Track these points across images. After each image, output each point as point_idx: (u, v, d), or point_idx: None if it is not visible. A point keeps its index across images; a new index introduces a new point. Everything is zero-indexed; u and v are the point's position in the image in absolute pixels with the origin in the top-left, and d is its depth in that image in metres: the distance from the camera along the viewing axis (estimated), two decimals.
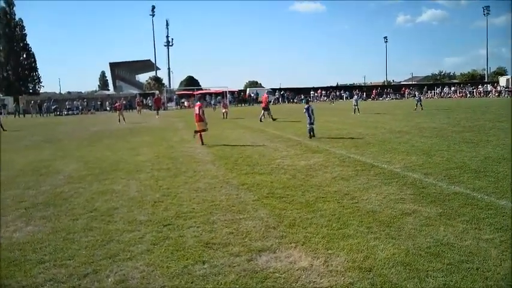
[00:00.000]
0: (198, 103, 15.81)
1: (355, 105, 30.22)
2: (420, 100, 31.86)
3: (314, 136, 15.49)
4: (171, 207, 6.89)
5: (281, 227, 5.70)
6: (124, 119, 30.26)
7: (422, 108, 30.39)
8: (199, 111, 15.00)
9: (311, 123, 15.65)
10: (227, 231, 5.63)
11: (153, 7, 74.59)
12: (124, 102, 35.20)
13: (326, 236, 5.31)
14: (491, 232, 5.21)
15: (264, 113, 25.90)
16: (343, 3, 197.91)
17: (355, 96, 33.04)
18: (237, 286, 4.04)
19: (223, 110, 31.54)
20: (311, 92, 68.34)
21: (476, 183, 7.71)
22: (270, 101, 31.50)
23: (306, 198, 7.10)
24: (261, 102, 59.09)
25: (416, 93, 34.22)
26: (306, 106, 15.99)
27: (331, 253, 4.75)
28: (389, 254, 4.64)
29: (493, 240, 4.94)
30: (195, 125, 15.35)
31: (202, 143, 14.79)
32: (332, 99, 59.97)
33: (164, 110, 54.54)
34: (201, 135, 15.05)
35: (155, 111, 39.24)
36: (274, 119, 25.06)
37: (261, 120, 25.16)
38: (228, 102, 35.52)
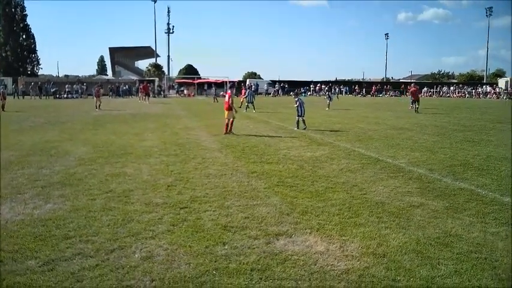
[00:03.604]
0: (229, 92, 15.74)
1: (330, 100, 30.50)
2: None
3: (305, 128, 16.19)
4: (184, 191, 7.08)
5: (294, 214, 5.92)
6: (99, 106, 29.30)
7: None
8: (229, 100, 14.96)
9: (299, 115, 16.51)
10: (243, 215, 5.83)
11: None
12: (102, 88, 33.64)
13: (339, 223, 5.53)
14: (497, 226, 5.46)
15: (413, 105, 26.63)
16: None
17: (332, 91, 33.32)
18: (259, 266, 4.25)
19: (243, 99, 29.27)
20: (311, 86, 68.55)
21: (480, 180, 7.96)
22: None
23: (316, 188, 7.32)
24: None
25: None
26: (296, 99, 16.87)
27: (346, 239, 4.98)
28: (401, 242, 4.87)
29: (499, 234, 5.18)
30: (225, 113, 15.17)
31: (231, 132, 14.73)
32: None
33: (164, 97, 54.59)
34: (231, 124, 14.89)
35: (146, 98, 38.89)
36: (416, 111, 25.92)
37: (416, 111, 25.87)
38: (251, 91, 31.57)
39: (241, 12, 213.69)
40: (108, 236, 5.02)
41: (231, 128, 14.89)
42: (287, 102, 40.60)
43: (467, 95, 62.64)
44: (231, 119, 14.92)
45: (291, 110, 21.80)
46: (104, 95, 44.53)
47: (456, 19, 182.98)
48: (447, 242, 4.91)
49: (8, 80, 55.48)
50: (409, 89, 28.18)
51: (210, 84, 59.55)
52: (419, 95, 27.39)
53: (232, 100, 15.05)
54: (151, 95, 44.72)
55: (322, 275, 4.09)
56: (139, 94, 44.11)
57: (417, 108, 26.35)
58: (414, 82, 66.56)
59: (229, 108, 14.92)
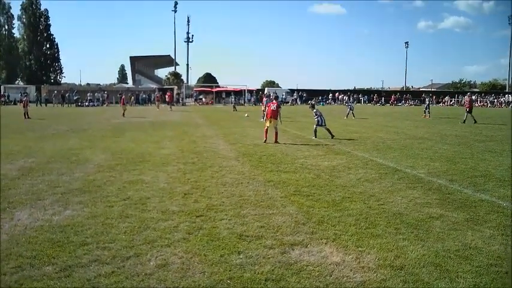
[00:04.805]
0: (275, 101, 16.06)
1: (350, 109, 29.76)
2: (429, 107, 31.65)
3: (333, 137, 16.17)
4: (201, 199, 7.10)
5: (310, 224, 5.87)
6: (124, 113, 30.55)
7: (430, 116, 30.10)
8: (277, 109, 15.29)
9: (319, 125, 16.57)
10: (258, 224, 5.81)
11: (176, 3, 75.17)
12: (124, 96, 34.79)
13: (355, 234, 5.47)
14: None
15: (467, 115, 25.33)
16: (364, 6, 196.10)
17: (351, 100, 32.87)
18: (274, 276, 4.22)
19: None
20: (329, 95, 68.27)
21: (502, 191, 7.79)
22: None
23: (332, 198, 7.26)
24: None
25: (427, 99, 33.82)
26: (314, 111, 17.09)
27: (362, 250, 4.91)
28: (419, 255, 4.77)
29: None
30: (267, 120, 15.29)
31: (277, 141, 14.75)
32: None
33: (182, 105, 55.07)
34: (276, 134, 15.01)
35: (169, 106, 42.06)
36: (475, 121, 24.55)
37: (475, 121, 24.50)
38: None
39: (260, 21, 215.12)
40: (125, 243, 5.06)
41: (276, 137, 14.94)
42: (305, 111, 40.51)
43: (489, 105, 61.46)
44: (276, 130, 15.09)
45: (309, 118, 21.92)
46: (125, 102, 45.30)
47: (477, 27, 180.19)
48: (467, 254, 4.80)
49: (31, 88, 56.68)
50: (466, 99, 27.42)
51: (228, 93, 59.88)
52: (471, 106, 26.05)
53: (279, 109, 15.50)
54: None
55: (338, 287, 4.03)
56: (157, 102, 44.94)
57: (474, 118, 24.81)
58: (470, 92, 65.56)
59: (276, 117, 15.20)
